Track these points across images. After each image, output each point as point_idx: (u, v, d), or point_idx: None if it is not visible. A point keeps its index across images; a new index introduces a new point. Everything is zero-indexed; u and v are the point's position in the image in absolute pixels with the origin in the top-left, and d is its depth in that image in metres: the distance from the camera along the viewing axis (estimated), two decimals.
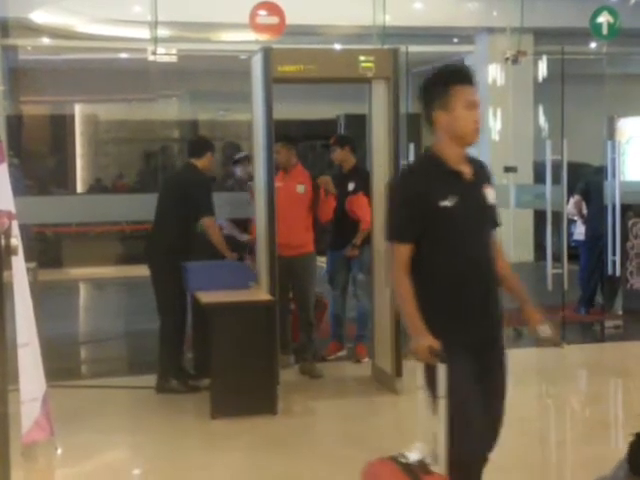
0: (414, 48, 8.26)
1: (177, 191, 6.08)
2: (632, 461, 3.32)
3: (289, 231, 6.06)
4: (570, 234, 9.63)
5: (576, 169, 8.79)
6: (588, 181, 8.85)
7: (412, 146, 6.99)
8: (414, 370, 5.96)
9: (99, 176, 15.00)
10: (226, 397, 5.39)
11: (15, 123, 13.05)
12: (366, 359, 6.63)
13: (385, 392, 5.91)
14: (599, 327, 8.70)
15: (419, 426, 4.91)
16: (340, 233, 6.69)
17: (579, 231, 9.20)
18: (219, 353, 5.39)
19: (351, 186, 6.60)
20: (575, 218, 9.27)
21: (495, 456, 4.84)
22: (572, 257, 8.27)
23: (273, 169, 5.85)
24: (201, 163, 6.18)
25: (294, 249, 6.15)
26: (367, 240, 6.38)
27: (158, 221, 6.11)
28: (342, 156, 6.70)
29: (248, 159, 7.03)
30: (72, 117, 14.77)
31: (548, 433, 5.42)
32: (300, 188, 6.28)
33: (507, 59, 9.73)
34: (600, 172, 8.77)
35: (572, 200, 8.78)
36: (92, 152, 14.88)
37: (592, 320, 8.74)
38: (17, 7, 10.70)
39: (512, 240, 11.68)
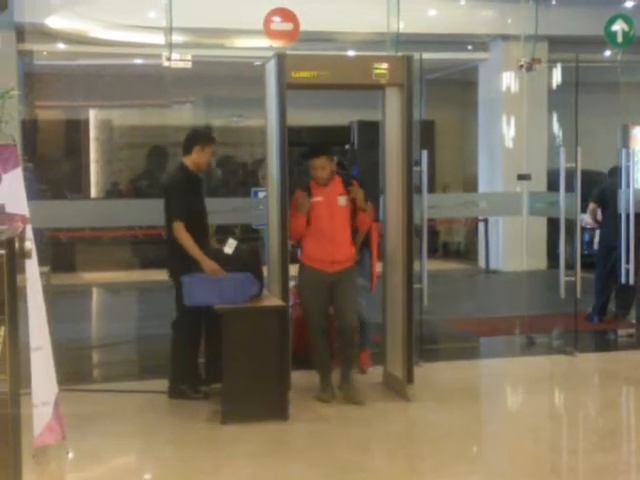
0: (428, 55, 8.26)
1: (163, 194, 6.00)
2: None
3: (334, 247, 5.83)
4: (586, 243, 9.63)
5: (590, 177, 8.76)
6: (604, 187, 8.83)
7: (425, 153, 6.96)
8: (426, 377, 6.00)
9: (115, 181, 15.05)
10: (237, 402, 5.40)
11: (30, 128, 13.12)
12: (371, 368, 6.54)
13: (396, 398, 5.90)
14: (612, 335, 8.66)
15: None
16: None
17: (597, 240, 9.18)
18: (231, 358, 5.39)
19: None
20: (589, 226, 9.25)
21: (507, 463, 4.84)
22: (588, 265, 8.24)
23: (287, 176, 5.84)
24: (190, 160, 5.96)
25: (339, 264, 5.86)
26: (365, 243, 6.26)
27: (166, 226, 6.07)
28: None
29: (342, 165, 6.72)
30: (86, 122, 14.82)
31: (560, 441, 5.40)
32: (342, 200, 5.90)
33: (521, 66, 9.71)
34: (615, 174, 8.74)
35: (588, 209, 8.78)
36: (106, 157, 14.94)
37: (605, 328, 8.71)
38: (33, 13, 10.77)
39: (525, 248, 11.70)
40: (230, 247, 5.70)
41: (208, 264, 5.62)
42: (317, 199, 5.84)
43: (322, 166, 5.86)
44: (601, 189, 8.85)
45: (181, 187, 5.88)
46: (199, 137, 6.14)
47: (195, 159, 5.97)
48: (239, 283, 5.56)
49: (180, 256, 5.73)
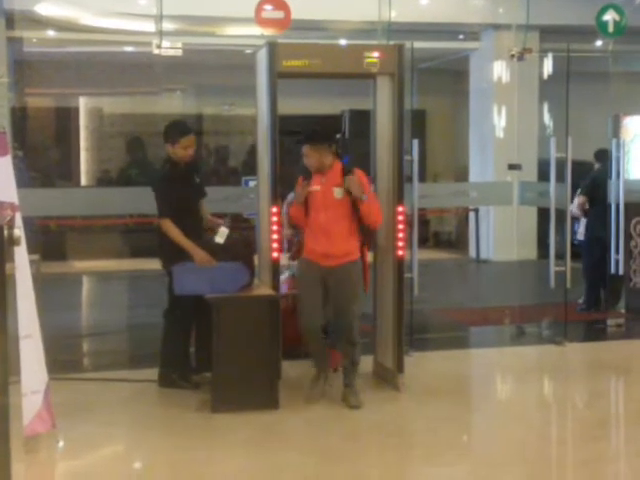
0: (419, 44, 8.23)
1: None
2: None
3: (328, 241, 5.51)
4: (574, 232, 9.63)
5: (581, 167, 8.76)
6: (594, 177, 8.83)
7: (416, 142, 6.96)
8: (416, 366, 6.00)
9: (105, 169, 15.00)
10: (228, 391, 5.40)
11: (20, 115, 13.05)
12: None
13: (386, 388, 5.91)
14: (601, 325, 8.69)
15: None
16: None
17: (581, 230, 9.19)
18: (221, 347, 5.39)
19: None
20: (574, 216, 9.25)
21: (497, 453, 4.86)
22: (576, 255, 8.25)
23: (277, 165, 5.82)
24: (172, 151, 5.84)
25: (334, 259, 5.52)
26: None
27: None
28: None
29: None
30: (77, 110, 14.74)
31: (550, 430, 5.42)
32: (337, 192, 5.52)
33: (513, 56, 9.71)
34: (602, 158, 8.73)
35: (576, 200, 8.77)
36: (96, 145, 14.88)
37: (594, 318, 8.74)
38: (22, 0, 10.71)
39: (516, 237, 11.72)
40: (221, 236, 5.68)
41: (198, 254, 5.60)
42: (314, 188, 5.58)
43: (305, 154, 5.55)
44: (590, 179, 8.85)
45: (164, 182, 5.85)
46: (167, 134, 5.91)
47: (175, 151, 5.85)
48: (229, 272, 5.53)
49: (171, 245, 5.71)
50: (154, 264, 6.01)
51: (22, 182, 5.63)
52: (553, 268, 7.45)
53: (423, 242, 11.56)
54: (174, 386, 5.91)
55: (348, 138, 14.09)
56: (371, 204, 5.57)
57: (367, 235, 5.71)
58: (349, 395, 5.55)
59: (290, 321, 6.10)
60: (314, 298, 5.56)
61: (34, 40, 12.13)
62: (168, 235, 5.70)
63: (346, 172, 5.56)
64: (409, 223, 6.89)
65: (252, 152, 14.46)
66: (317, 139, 5.59)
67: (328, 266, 5.52)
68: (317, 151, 5.53)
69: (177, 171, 5.90)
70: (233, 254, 5.63)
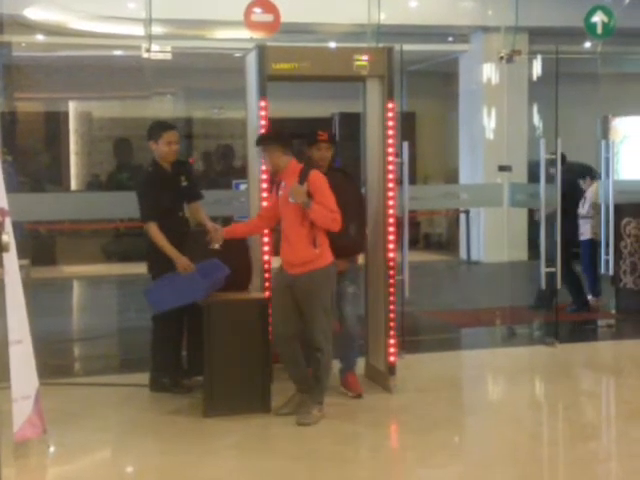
0: (409, 47, 8.23)
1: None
2: None
3: (288, 248, 5.29)
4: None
5: (570, 168, 8.77)
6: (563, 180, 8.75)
7: (406, 144, 6.96)
8: (408, 368, 6.00)
9: (95, 173, 14.98)
10: (219, 395, 5.38)
11: (9, 120, 13.00)
12: (362, 390, 5.85)
13: (378, 390, 5.91)
14: (592, 326, 8.71)
15: None
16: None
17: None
18: (212, 351, 5.37)
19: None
20: None
21: (489, 453, 4.86)
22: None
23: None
24: (156, 149, 5.80)
25: (296, 267, 5.26)
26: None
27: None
28: (330, 155, 5.80)
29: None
30: (66, 114, 14.71)
31: (541, 431, 5.42)
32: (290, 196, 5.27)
33: (502, 58, 9.73)
34: (569, 168, 8.74)
35: None
36: (86, 149, 14.85)
37: (585, 319, 8.76)
38: (11, 4, 10.64)
39: (506, 239, 11.74)
40: (217, 242, 5.67)
41: (180, 261, 5.55)
42: (280, 192, 5.37)
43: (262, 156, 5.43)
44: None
45: (148, 186, 5.81)
46: (149, 132, 5.89)
47: (157, 149, 5.82)
48: (189, 279, 5.43)
49: (156, 250, 5.68)
50: (144, 268, 6.00)
51: (11, 187, 5.62)
52: (544, 269, 7.47)
53: (414, 244, 11.57)
54: (165, 390, 5.89)
55: (339, 141, 14.09)
56: (318, 211, 5.17)
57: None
58: (302, 411, 5.28)
59: None
60: (283, 307, 5.35)
61: (23, 44, 12.09)
62: (152, 240, 5.66)
63: (303, 175, 5.25)
64: (399, 225, 6.89)
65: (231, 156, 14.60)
66: (263, 140, 5.37)
67: (293, 274, 5.28)
68: (267, 152, 5.32)
69: (160, 173, 5.85)
70: (230, 259, 5.57)
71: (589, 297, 9.12)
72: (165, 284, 5.56)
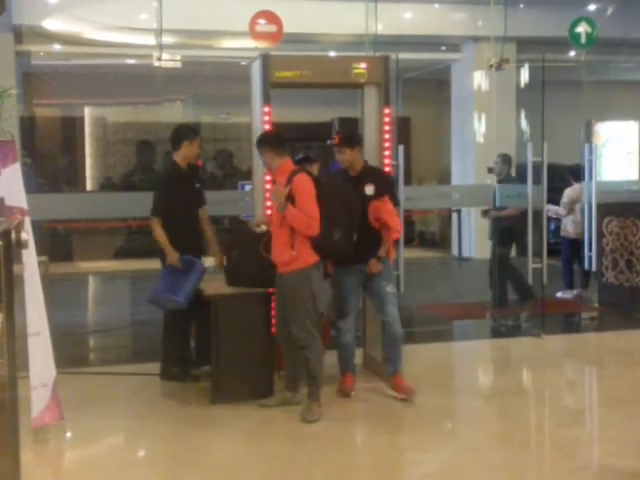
0: (404, 55, 8.24)
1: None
2: None
3: (274, 247, 5.20)
4: (551, 232, 9.68)
5: (555, 170, 8.78)
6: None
7: (402, 148, 6.95)
8: (404, 358, 5.99)
9: (109, 175, 14.97)
10: (225, 383, 5.39)
11: (28, 124, 13.01)
12: (413, 393, 5.45)
13: (375, 379, 5.90)
14: (576, 318, 8.71)
15: None
16: (356, 246, 5.28)
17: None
18: (219, 341, 5.38)
19: (370, 190, 5.45)
20: (554, 216, 9.29)
21: (479, 439, 4.86)
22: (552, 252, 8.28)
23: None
24: (180, 155, 5.87)
25: (280, 267, 5.17)
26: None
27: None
28: (352, 157, 5.48)
29: (309, 159, 6.18)
30: (82, 119, 14.71)
31: (528, 418, 5.42)
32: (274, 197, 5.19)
33: (491, 66, 9.72)
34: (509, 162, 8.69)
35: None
36: (100, 152, 14.84)
37: (569, 312, 8.76)
38: (31, 15, 10.67)
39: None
40: (209, 262, 5.65)
41: (170, 255, 5.65)
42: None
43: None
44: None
45: (162, 185, 5.85)
46: (186, 132, 5.98)
47: (184, 153, 5.87)
48: (161, 277, 5.62)
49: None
50: (155, 264, 6.00)
51: (30, 188, 5.62)
52: (531, 265, 7.46)
53: (409, 241, 11.55)
54: (175, 379, 5.89)
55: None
56: (292, 215, 5.01)
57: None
58: (304, 408, 5.15)
59: None
60: (277, 306, 5.33)
61: (41, 53, 12.11)
62: (153, 234, 5.72)
63: (289, 178, 5.09)
64: None
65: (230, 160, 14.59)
66: (257, 143, 5.28)
67: (279, 274, 5.19)
68: (261, 154, 5.25)
69: (178, 172, 5.88)
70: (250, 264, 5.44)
71: (577, 290, 9.13)
72: (161, 277, 5.67)
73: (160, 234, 5.70)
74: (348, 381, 5.60)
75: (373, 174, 5.56)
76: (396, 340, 5.50)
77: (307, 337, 5.09)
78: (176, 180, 5.84)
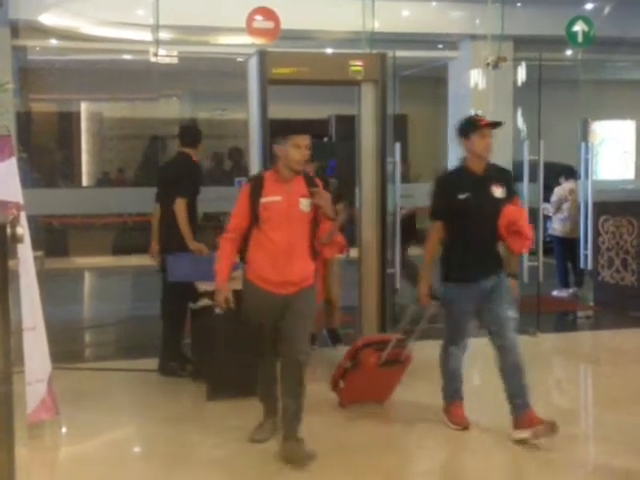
0: (401, 53, 8.23)
1: (172, 180, 5.88)
2: None
3: (288, 264, 4.22)
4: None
5: (551, 168, 8.79)
6: None
7: (398, 145, 6.95)
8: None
9: (105, 170, 14.96)
10: (222, 380, 5.38)
11: (24, 119, 12.97)
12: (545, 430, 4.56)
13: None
14: (571, 317, 8.72)
15: None
16: (483, 258, 4.57)
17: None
18: (215, 341, 5.37)
19: (498, 191, 4.57)
20: (550, 215, 9.31)
21: (474, 437, 4.86)
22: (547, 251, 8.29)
23: (267, 167, 5.79)
24: (195, 154, 5.99)
25: (293, 286, 4.28)
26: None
27: (162, 208, 5.98)
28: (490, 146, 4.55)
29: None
30: (78, 114, 14.70)
31: None
32: (304, 204, 4.25)
33: (488, 64, 9.73)
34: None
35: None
36: (97, 148, 14.82)
37: (565, 310, 8.77)
38: (27, 10, 10.63)
39: None
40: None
41: (193, 244, 5.72)
42: (273, 199, 4.23)
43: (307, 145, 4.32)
44: None
45: (190, 173, 5.96)
46: (200, 134, 6.16)
47: (197, 152, 6.02)
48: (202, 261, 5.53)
49: (174, 228, 5.75)
50: (150, 260, 5.99)
51: (26, 183, 5.60)
52: (526, 263, 7.47)
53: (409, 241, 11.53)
54: (174, 374, 5.89)
55: (334, 141, 14.08)
56: (332, 225, 4.33)
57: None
58: (293, 454, 4.31)
59: None
60: (268, 328, 4.44)
61: (37, 48, 12.07)
62: (176, 215, 5.72)
63: (310, 181, 4.34)
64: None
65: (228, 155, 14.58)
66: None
67: (285, 294, 4.29)
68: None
69: (197, 169, 6.08)
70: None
71: (573, 289, 9.14)
72: (183, 259, 5.66)
73: (184, 217, 5.72)
74: (461, 411, 4.96)
75: (496, 172, 4.72)
76: (520, 369, 4.70)
77: (309, 353, 4.50)
78: (196, 173, 6.02)
